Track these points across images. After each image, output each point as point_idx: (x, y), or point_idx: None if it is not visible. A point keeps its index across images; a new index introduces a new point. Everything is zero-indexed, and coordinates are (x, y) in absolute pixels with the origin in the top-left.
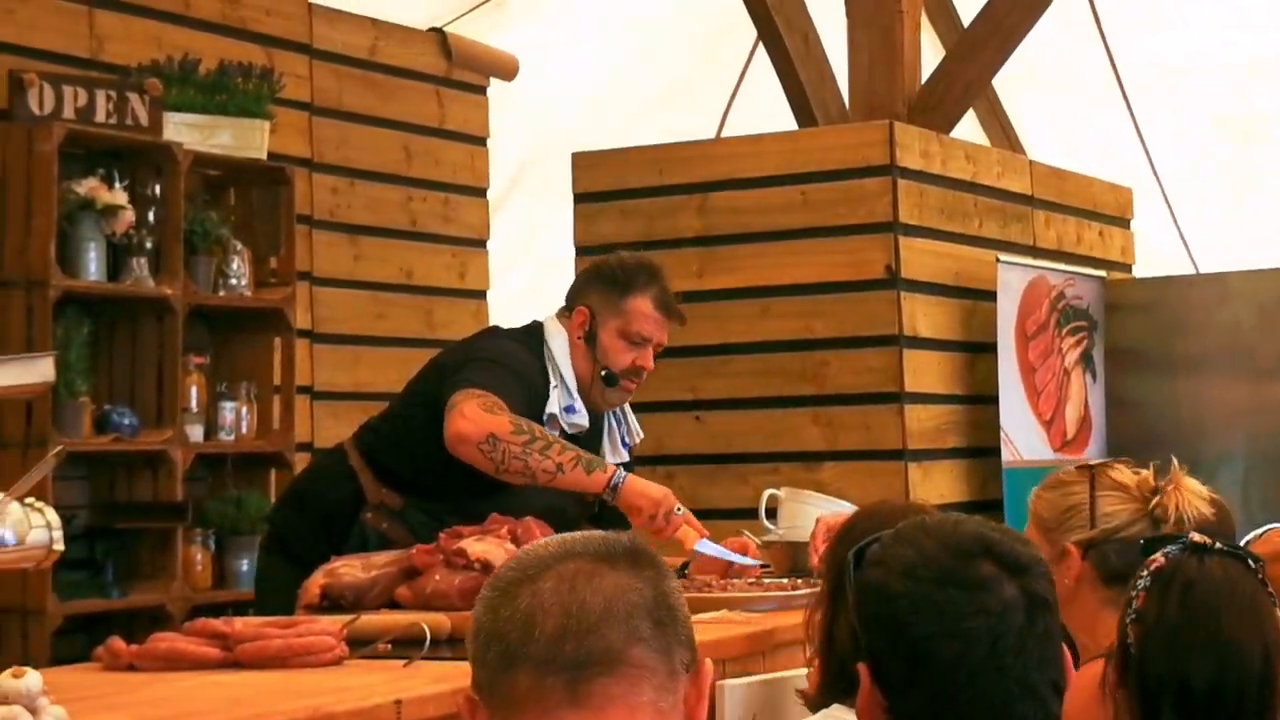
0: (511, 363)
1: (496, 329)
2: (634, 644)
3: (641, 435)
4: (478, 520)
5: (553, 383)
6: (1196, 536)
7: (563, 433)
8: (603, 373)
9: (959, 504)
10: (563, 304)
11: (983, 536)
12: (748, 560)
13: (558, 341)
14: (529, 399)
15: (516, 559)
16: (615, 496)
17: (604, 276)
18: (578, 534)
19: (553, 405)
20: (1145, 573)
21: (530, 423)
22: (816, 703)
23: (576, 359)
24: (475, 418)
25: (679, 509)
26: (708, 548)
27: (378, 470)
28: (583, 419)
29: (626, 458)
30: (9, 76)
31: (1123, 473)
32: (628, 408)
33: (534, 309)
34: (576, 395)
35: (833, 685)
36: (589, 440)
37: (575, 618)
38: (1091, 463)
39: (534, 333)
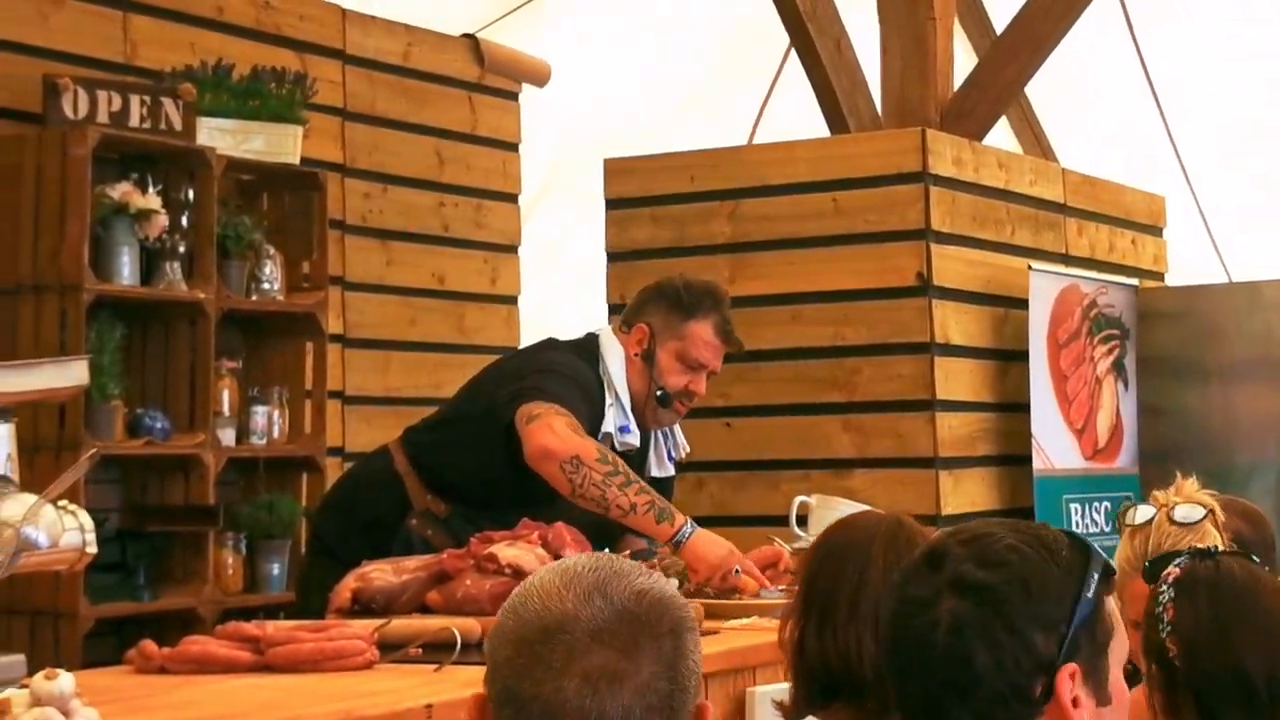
0: (579, 379)
1: (554, 341)
2: None
3: (688, 449)
4: None
5: (608, 400)
6: (1199, 545)
7: (612, 449)
8: (658, 392)
9: (990, 512)
10: (620, 318)
11: (938, 549)
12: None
13: (614, 358)
14: (592, 418)
15: (540, 616)
16: (677, 552)
17: (668, 297)
18: (608, 583)
19: (609, 424)
20: (1164, 587)
21: (614, 455)
22: (793, 715)
23: (632, 376)
24: (564, 436)
25: (737, 570)
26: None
27: (424, 475)
28: (635, 439)
29: (672, 471)
30: (43, 81)
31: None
32: None
33: (565, 314)
34: (630, 414)
35: (807, 698)
36: (635, 458)
37: None
38: (1186, 515)
39: (590, 347)
